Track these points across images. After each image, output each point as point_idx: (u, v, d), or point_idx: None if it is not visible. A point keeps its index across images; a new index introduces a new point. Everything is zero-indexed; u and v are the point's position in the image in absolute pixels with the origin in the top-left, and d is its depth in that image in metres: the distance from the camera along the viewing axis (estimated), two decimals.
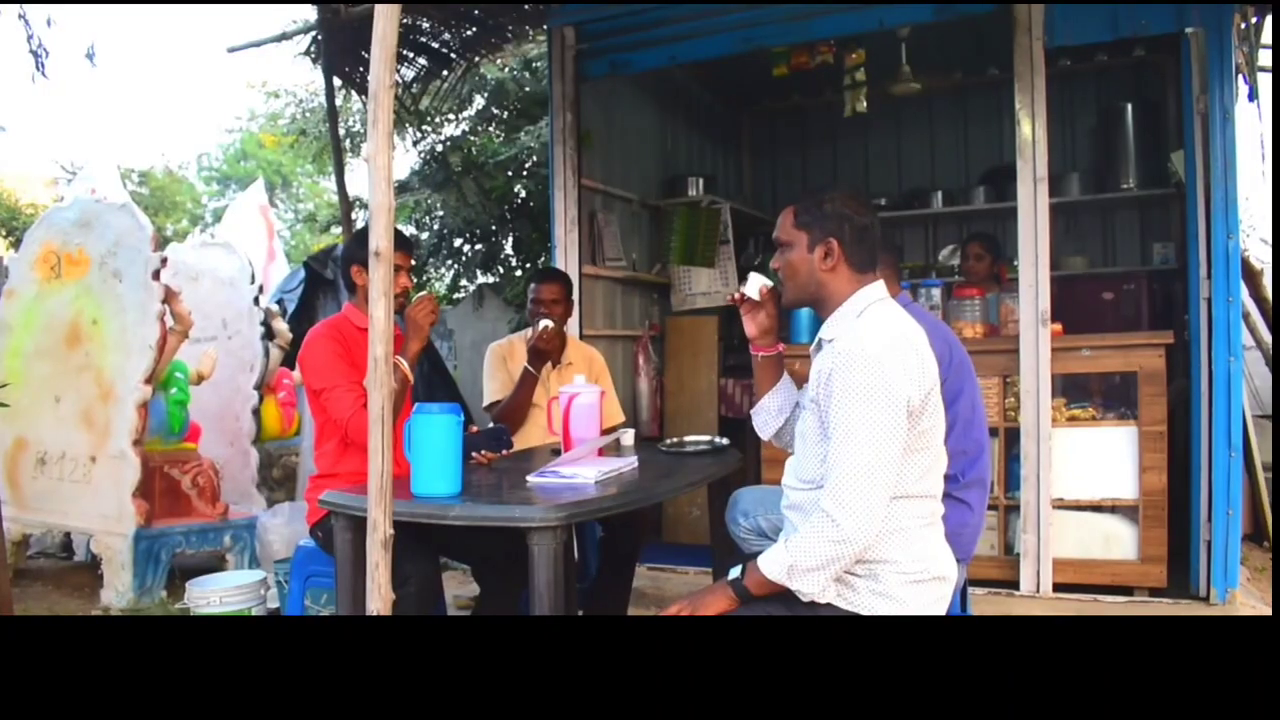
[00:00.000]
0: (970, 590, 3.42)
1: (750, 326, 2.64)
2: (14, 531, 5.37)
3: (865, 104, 5.37)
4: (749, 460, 4.61)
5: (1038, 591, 4.34)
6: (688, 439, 3.58)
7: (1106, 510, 4.39)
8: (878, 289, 2.33)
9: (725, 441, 3.53)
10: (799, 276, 2.35)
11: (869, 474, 2.07)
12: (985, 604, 4.24)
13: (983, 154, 6.85)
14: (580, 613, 3.66)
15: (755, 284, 2.60)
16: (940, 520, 2.32)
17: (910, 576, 2.18)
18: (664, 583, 4.82)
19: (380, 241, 2.12)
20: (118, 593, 4.98)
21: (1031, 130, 4.35)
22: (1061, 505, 4.39)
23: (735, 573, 2.25)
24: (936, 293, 4.91)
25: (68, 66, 5.34)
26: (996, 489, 4.42)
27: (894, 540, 2.16)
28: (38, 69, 4.31)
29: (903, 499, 2.17)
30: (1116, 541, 4.34)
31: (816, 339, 2.38)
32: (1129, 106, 5.86)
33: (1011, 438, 4.49)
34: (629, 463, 2.95)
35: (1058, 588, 4.32)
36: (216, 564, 5.35)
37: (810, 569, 2.10)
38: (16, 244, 6.40)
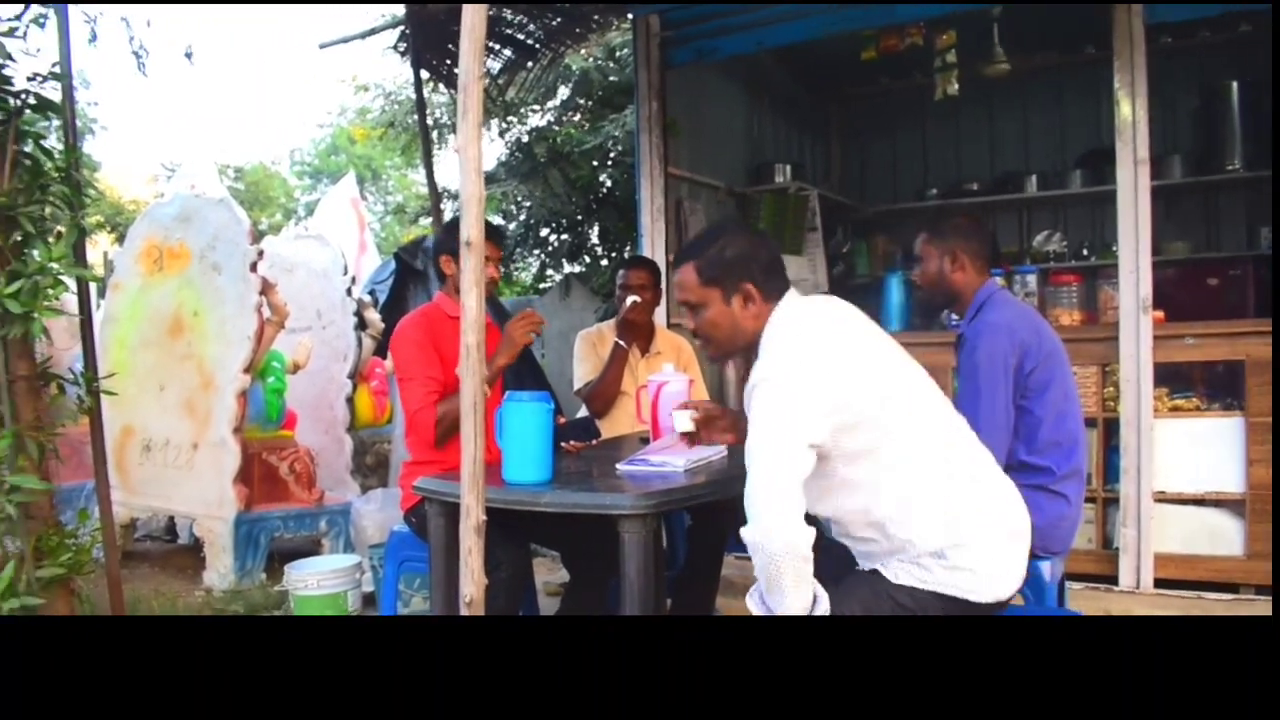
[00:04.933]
0: (1068, 585, 3.33)
1: (729, 437, 2.59)
2: (121, 515, 5.56)
3: (957, 86, 5.25)
4: None
5: (1137, 587, 4.20)
6: None
7: (1210, 504, 4.24)
8: (788, 303, 2.23)
9: None
10: (722, 331, 2.24)
11: (768, 481, 2.01)
12: (1083, 599, 4.13)
13: (1079, 136, 6.64)
14: (669, 601, 3.66)
15: (684, 421, 2.56)
16: (972, 477, 2.20)
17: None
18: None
19: (471, 231, 2.13)
20: (219, 575, 5.13)
21: (1132, 110, 4.21)
22: (1163, 499, 4.25)
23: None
24: (1032, 279, 4.80)
25: (166, 66, 5.49)
26: (1094, 481, 4.30)
27: (922, 517, 2.11)
28: (139, 69, 4.43)
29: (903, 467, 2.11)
30: (1221, 537, 4.19)
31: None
32: (1234, 85, 5.62)
33: (1110, 428, 4.36)
34: (718, 451, 2.94)
35: (1159, 583, 4.19)
36: (312, 548, 5.49)
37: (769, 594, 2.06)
38: (121, 239, 6.62)
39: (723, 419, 2.58)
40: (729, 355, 2.32)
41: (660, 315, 4.57)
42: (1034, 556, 2.39)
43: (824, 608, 2.06)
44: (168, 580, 5.40)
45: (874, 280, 6.53)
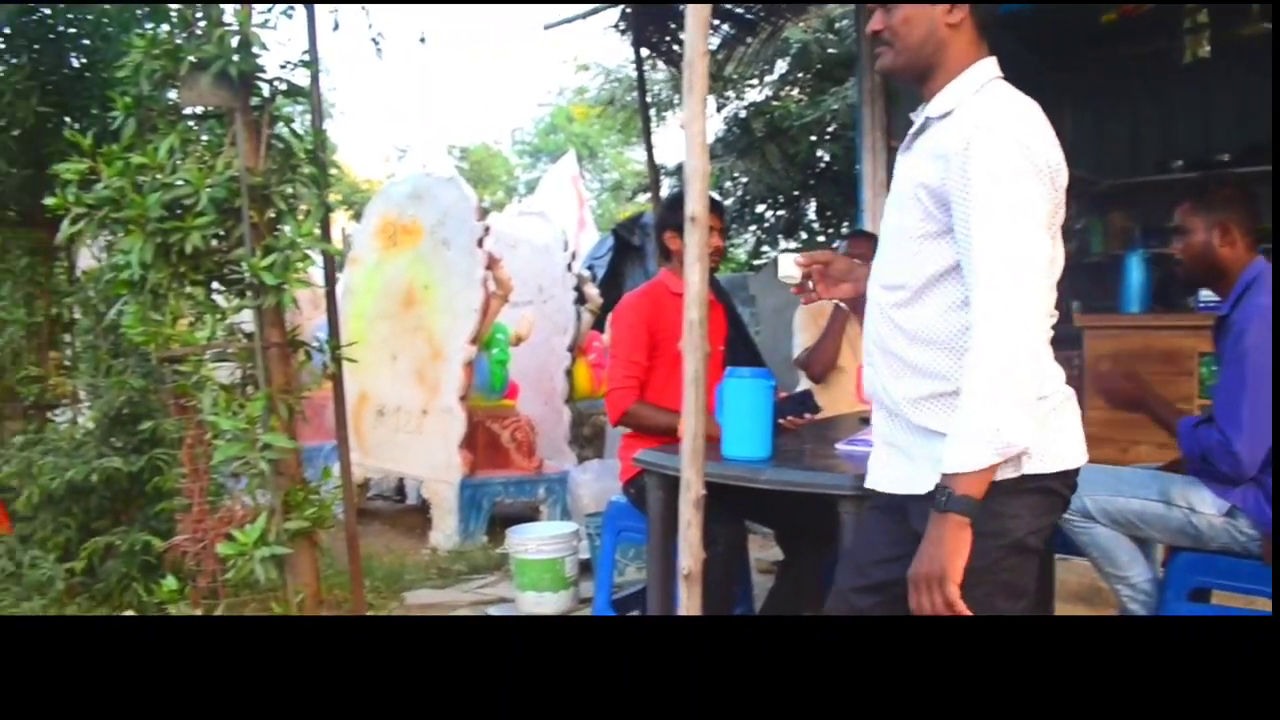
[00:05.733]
0: None
1: (846, 289, 2.22)
2: (356, 475, 5.92)
3: (1208, 48, 4.86)
4: None
5: None
6: None
7: None
8: (993, 66, 1.85)
9: None
10: (912, 36, 1.82)
11: (1026, 262, 1.64)
12: None
13: None
14: None
15: (788, 267, 2.25)
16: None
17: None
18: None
19: (695, 206, 2.13)
20: (444, 535, 5.39)
21: None
22: None
23: (923, 487, 1.77)
24: None
25: (398, 51, 5.76)
26: None
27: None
28: (376, 54, 4.67)
29: None
30: None
31: (919, 122, 1.89)
32: None
33: None
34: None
35: None
36: (531, 514, 5.67)
37: (1010, 405, 1.61)
38: (356, 216, 7.03)
39: (837, 265, 2.22)
40: (905, 67, 1.86)
41: None
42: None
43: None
44: (397, 538, 5.71)
45: (1110, 258, 6.14)
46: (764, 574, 4.52)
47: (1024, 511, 1.73)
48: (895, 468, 1.89)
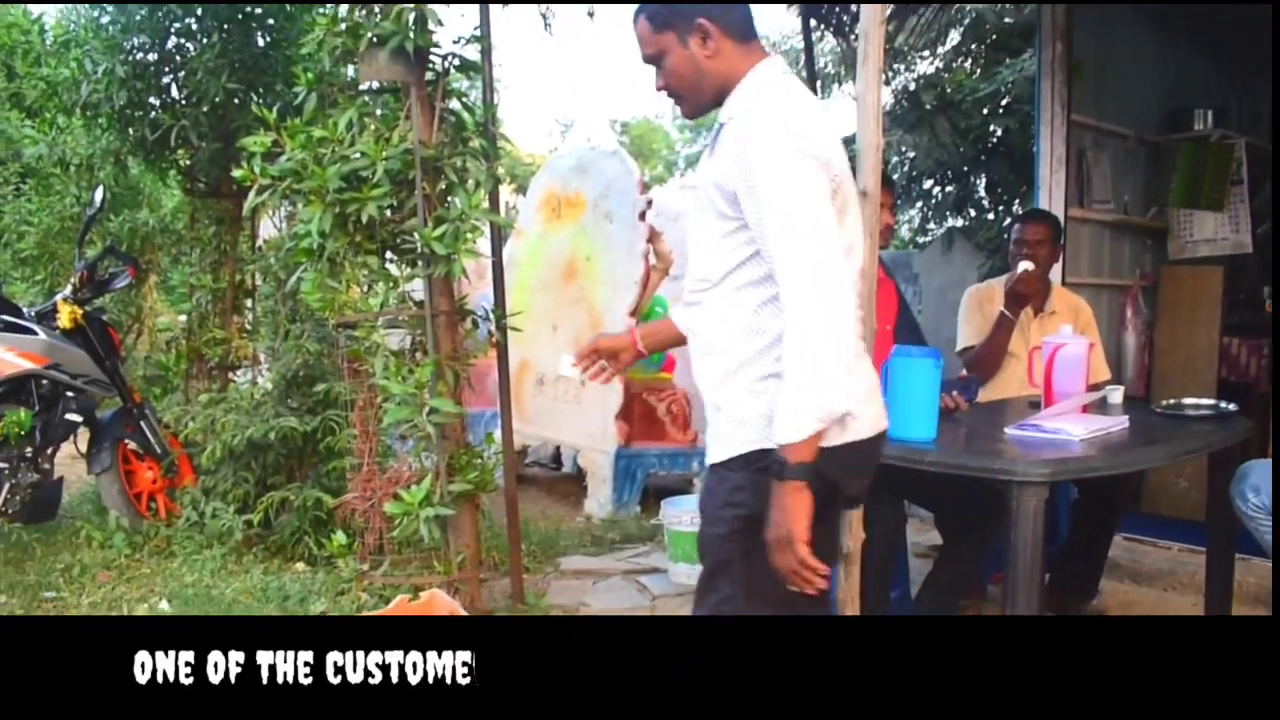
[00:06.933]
0: None
1: (629, 357, 2.41)
2: (515, 442, 6.06)
3: None
4: (1258, 430, 4.06)
5: None
6: (1186, 401, 3.22)
7: None
8: (776, 64, 1.96)
9: (1232, 407, 3.13)
10: (687, 79, 1.96)
11: (818, 236, 1.74)
12: None
13: None
14: (1047, 576, 3.45)
15: (566, 368, 2.40)
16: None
17: None
18: (1142, 556, 4.42)
19: (868, 181, 2.08)
20: (599, 504, 5.47)
21: None
22: None
23: (716, 457, 1.95)
24: None
25: (564, 25, 5.84)
26: None
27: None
28: (545, 29, 4.74)
29: None
30: None
31: (715, 129, 2.00)
32: None
33: None
34: (1118, 423, 2.71)
35: None
36: (684, 487, 5.70)
37: (828, 373, 1.72)
38: (519, 190, 7.17)
39: (604, 345, 2.44)
40: (700, 107, 2.02)
41: (1055, 273, 4.26)
42: None
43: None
44: (552, 505, 5.83)
45: None
46: (920, 558, 4.42)
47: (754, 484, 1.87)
48: (710, 443, 2.02)
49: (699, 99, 2.00)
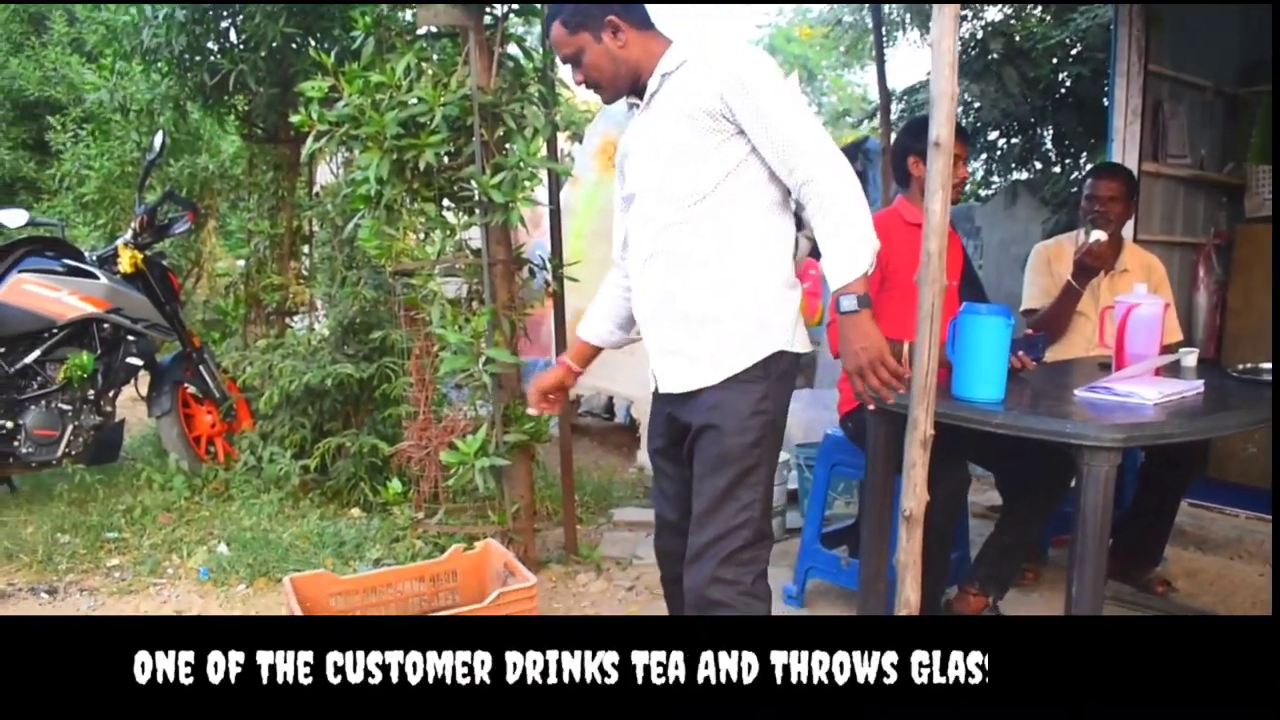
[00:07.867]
0: None
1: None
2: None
3: None
4: None
5: None
6: (1264, 366, 3.10)
7: None
8: (682, 43, 2.20)
9: None
10: (605, 70, 2.22)
11: (822, 132, 2.07)
12: None
13: None
14: (1110, 541, 3.37)
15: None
16: None
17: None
18: (1209, 523, 4.31)
19: (941, 131, 1.99)
20: None
21: None
22: None
23: (707, 380, 2.16)
24: None
25: None
26: None
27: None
28: None
29: None
30: None
31: (653, 87, 2.20)
32: None
33: None
34: (1193, 386, 2.61)
35: None
36: None
37: (863, 218, 2.03)
38: (574, 137, 7.09)
39: (545, 381, 2.77)
40: (619, 92, 2.27)
41: (1128, 230, 4.12)
42: None
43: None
44: (605, 455, 5.82)
45: None
46: (980, 519, 4.36)
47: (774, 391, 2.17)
48: (680, 373, 2.23)
49: (617, 85, 2.25)
